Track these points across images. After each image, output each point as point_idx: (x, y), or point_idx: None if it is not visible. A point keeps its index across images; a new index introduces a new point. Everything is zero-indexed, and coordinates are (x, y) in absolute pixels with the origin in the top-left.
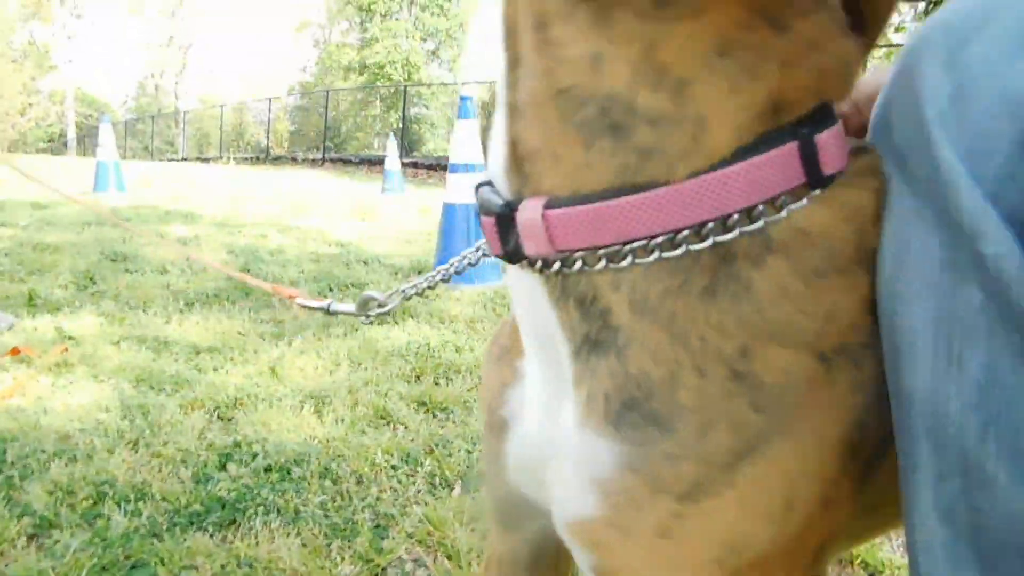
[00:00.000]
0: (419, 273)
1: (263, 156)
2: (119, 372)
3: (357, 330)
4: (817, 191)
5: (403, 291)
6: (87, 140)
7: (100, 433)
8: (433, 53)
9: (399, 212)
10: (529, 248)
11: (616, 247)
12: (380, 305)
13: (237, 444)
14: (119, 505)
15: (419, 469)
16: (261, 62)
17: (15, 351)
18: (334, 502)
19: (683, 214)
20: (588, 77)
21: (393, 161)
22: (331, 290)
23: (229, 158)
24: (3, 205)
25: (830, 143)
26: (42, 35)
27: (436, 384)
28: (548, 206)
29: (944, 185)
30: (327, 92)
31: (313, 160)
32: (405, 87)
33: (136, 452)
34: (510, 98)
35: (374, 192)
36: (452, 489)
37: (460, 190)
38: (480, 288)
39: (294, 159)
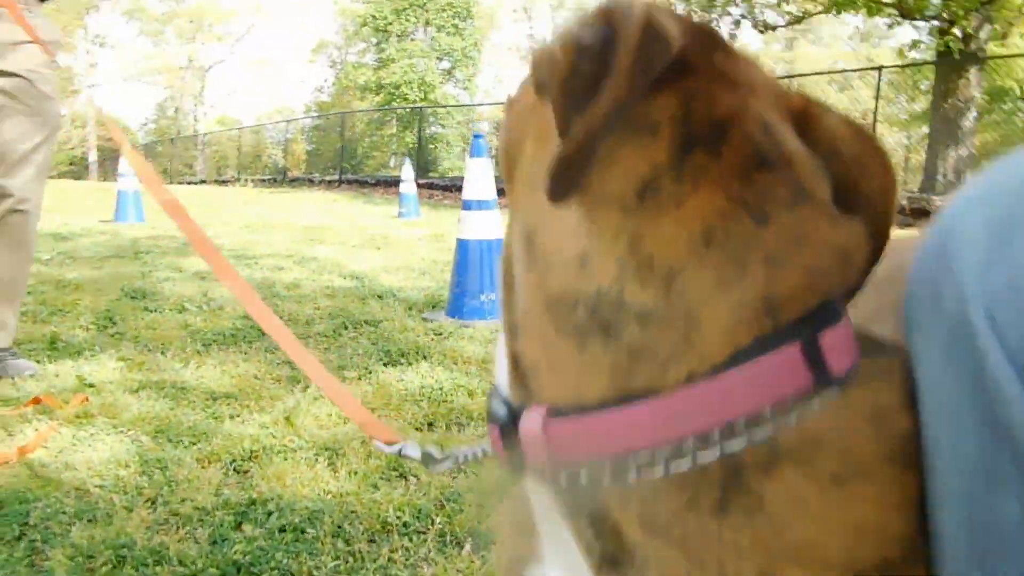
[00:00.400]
0: (432, 308)
1: (280, 178)
2: (138, 423)
3: (371, 373)
4: (828, 392)
5: (455, 456)
6: (108, 163)
7: (119, 490)
8: (448, 72)
9: (414, 240)
10: (532, 459)
11: (619, 460)
12: (437, 459)
13: (252, 501)
14: (137, 570)
15: (430, 527)
16: (279, 83)
17: (37, 400)
18: (347, 563)
19: (684, 424)
20: (577, 279)
21: (409, 185)
22: (345, 328)
23: (247, 180)
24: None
25: (836, 342)
26: (65, 61)
27: (448, 431)
28: (549, 416)
29: (991, 388)
30: (343, 114)
31: (330, 182)
32: (421, 108)
33: (154, 510)
34: (508, 319)
35: (390, 216)
36: (462, 548)
37: (473, 227)
38: (494, 324)
39: (311, 181)
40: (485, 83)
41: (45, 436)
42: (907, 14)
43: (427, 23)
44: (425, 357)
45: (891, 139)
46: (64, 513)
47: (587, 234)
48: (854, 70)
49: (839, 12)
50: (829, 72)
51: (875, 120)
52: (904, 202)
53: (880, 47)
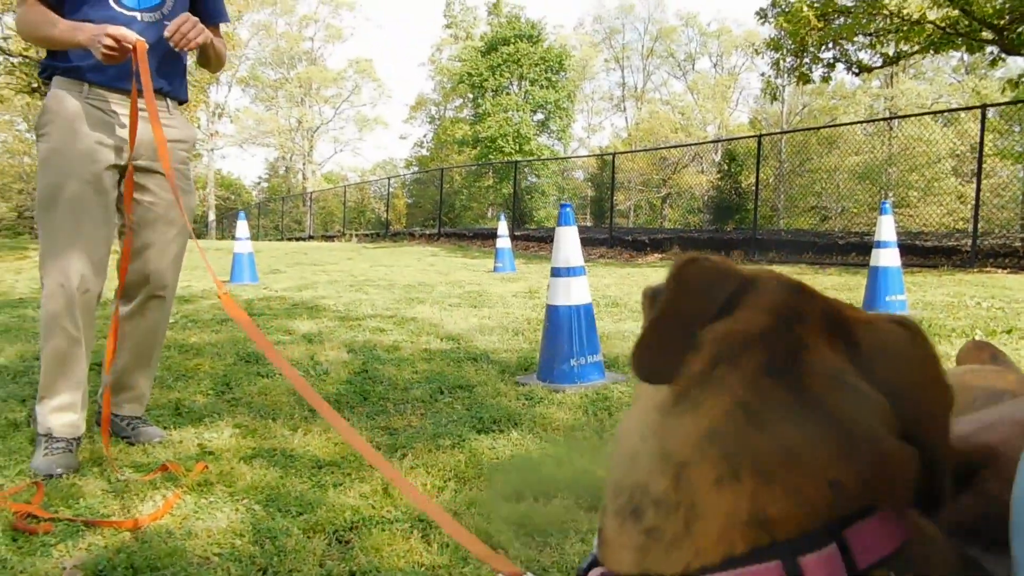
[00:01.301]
0: (525, 371)
1: (383, 232)
2: (251, 491)
3: (464, 441)
4: None
5: None
6: (225, 221)
7: (235, 559)
8: (543, 124)
9: (508, 296)
10: None
11: None
12: None
13: (352, 574)
14: None
15: None
16: (383, 141)
17: (164, 468)
18: None
19: None
20: (626, 473)
21: (504, 240)
22: (441, 393)
23: (351, 235)
24: None
25: (817, 569)
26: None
27: (536, 502)
28: None
29: None
30: (441, 169)
31: (430, 235)
32: (516, 162)
33: None
34: None
35: (486, 271)
36: None
37: (562, 292)
38: (583, 388)
39: (411, 234)
40: (578, 132)
41: (171, 504)
42: (1009, 49)
43: (521, 77)
44: (516, 424)
45: (1004, 173)
46: None
47: (638, 434)
48: (956, 109)
49: (936, 52)
50: (930, 112)
51: (980, 160)
52: (1018, 244)
53: (988, 78)
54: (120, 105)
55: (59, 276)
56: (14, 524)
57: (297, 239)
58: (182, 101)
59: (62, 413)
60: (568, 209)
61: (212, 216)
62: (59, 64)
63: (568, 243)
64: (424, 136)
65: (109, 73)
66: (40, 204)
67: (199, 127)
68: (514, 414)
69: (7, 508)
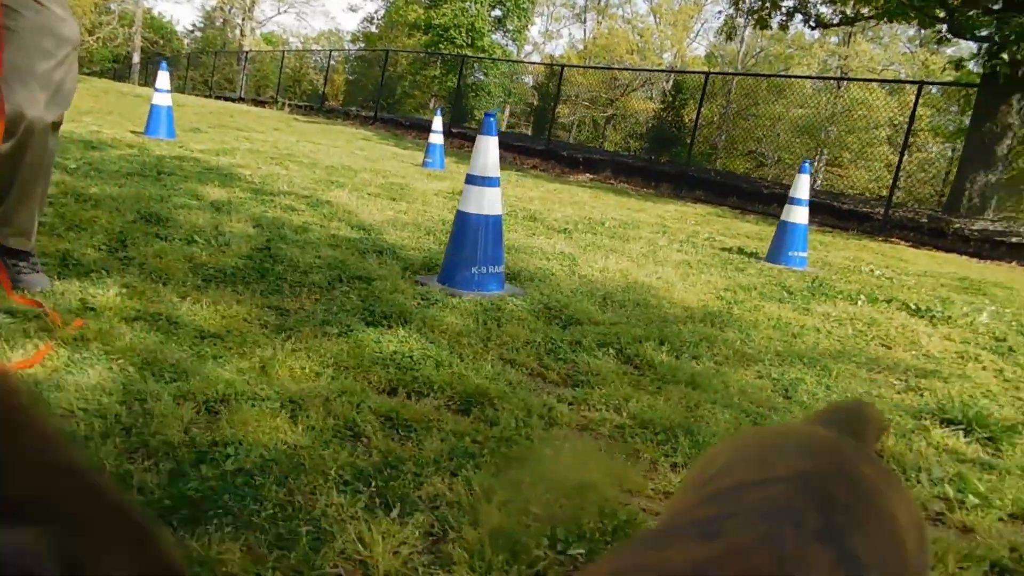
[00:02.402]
0: (428, 271)
1: (317, 106)
2: (128, 352)
3: (352, 331)
4: None
5: None
6: (151, 67)
7: (99, 416)
8: (500, 21)
9: (430, 193)
10: None
11: None
12: None
13: (215, 443)
14: None
15: (366, 488)
16: (331, 9)
17: (39, 306)
18: (284, 512)
19: None
20: None
21: (437, 136)
22: (340, 281)
23: (284, 104)
24: (68, 145)
25: None
26: None
27: (407, 399)
28: None
29: None
30: (387, 50)
31: (365, 117)
32: (464, 57)
33: (128, 439)
34: None
35: (414, 164)
36: (391, 511)
37: (475, 201)
38: (479, 296)
39: (347, 113)
40: (535, 36)
41: (43, 354)
42: (957, 32)
43: None
44: (406, 322)
45: (934, 150)
46: None
47: None
48: (895, 81)
49: (890, 20)
50: (873, 79)
51: (908, 132)
52: (924, 220)
53: (939, 54)
54: None
55: None
56: None
57: (226, 99)
58: None
59: None
60: (491, 119)
61: (136, 59)
62: None
63: (487, 152)
64: (376, 12)
65: None
66: None
67: None
68: (406, 312)
69: None
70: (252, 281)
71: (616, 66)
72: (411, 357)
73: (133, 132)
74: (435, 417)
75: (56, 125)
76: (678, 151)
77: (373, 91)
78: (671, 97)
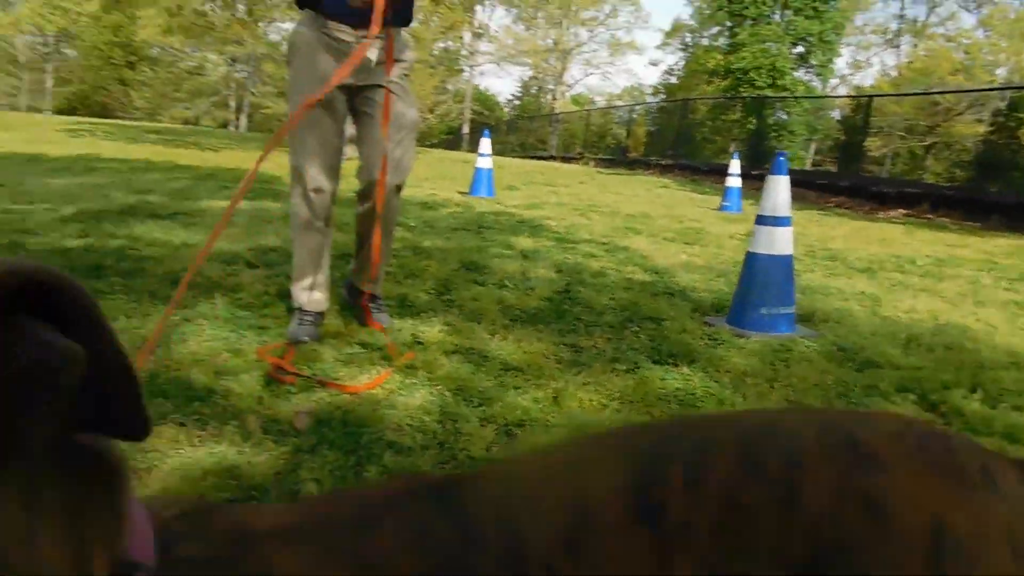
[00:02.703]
0: (717, 312)
1: (620, 159)
2: (446, 380)
3: (639, 368)
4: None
5: None
6: (477, 135)
7: (421, 431)
8: (802, 57)
9: (725, 237)
10: None
11: None
12: None
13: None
14: None
15: None
16: (635, 66)
17: (392, 348)
18: None
19: None
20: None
21: (734, 179)
22: (631, 322)
23: (589, 159)
24: (409, 207)
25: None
26: (452, 45)
27: None
28: None
29: None
30: (685, 100)
31: (664, 166)
32: (764, 98)
33: (441, 452)
34: None
35: (711, 208)
36: None
37: (765, 241)
38: (768, 338)
39: (647, 164)
40: (841, 68)
41: (383, 379)
42: None
43: (785, 6)
44: (692, 361)
45: None
46: (382, 440)
47: None
48: None
49: None
50: None
51: None
52: None
53: None
54: (348, 34)
55: (299, 183)
56: (269, 373)
57: (539, 158)
58: (405, 24)
59: (309, 292)
60: (782, 158)
61: (466, 129)
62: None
63: (778, 192)
64: (675, 64)
65: (340, 8)
66: (290, 130)
67: (462, 45)
68: (693, 351)
69: (266, 361)
70: (552, 321)
71: (936, 90)
72: (694, 395)
73: (460, 193)
74: None
75: (398, 188)
76: (1015, 177)
77: (673, 140)
78: (1004, 116)
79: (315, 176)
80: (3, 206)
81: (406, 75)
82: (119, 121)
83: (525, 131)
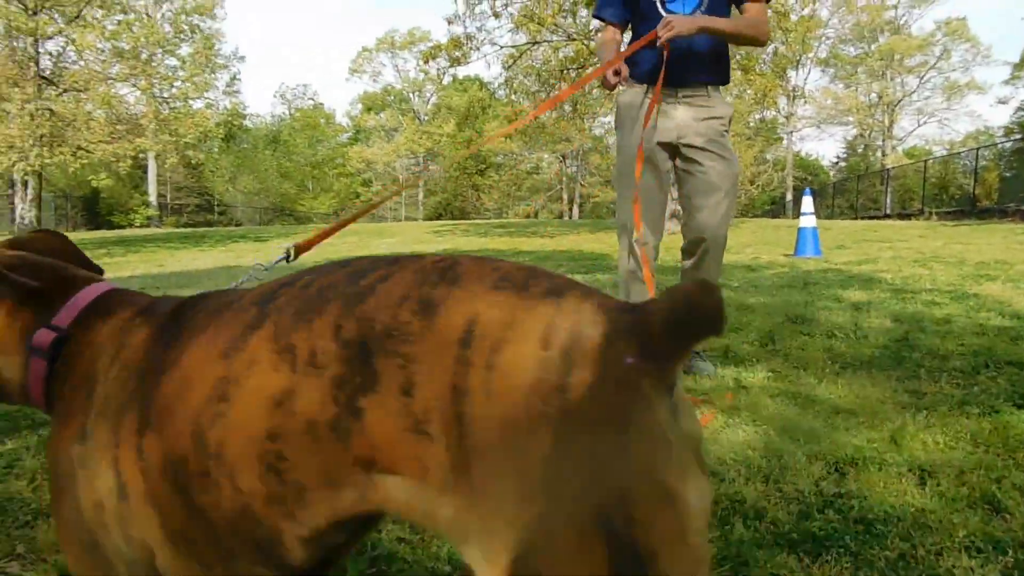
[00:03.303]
0: None
1: (969, 209)
2: (770, 420)
3: (996, 413)
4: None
5: None
6: (799, 202)
7: (744, 465)
8: None
9: None
10: None
11: None
12: None
13: (840, 494)
14: (745, 522)
15: (1003, 557)
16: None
17: (705, 397)
18: (904, 560)
19: None
20: None
21: None
22: (986, 367)
23: (931, 213)
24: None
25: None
26: (768, 114)
27: None
28: None
29: None
30: None
31: None
32: None
33: (766, 485)
34: None
35: None
36: None
37: None
38: None
39: (1003, 211)
40: None
41: (707, 420)
42: None
43: None
44: None
45: None
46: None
47: None
48: None
49: None
50: None
51: None
52: None
53: None
54: (669, 98)
55: (625, 235)
56: None
57: (871, 218)
58: (722, 83)
59: None
60: None
61: (789, 196)
62: (631, 69)
63: None
64: None
65: (656, 75)
66: (614, 183)
67: (778, 111)
68: None
69: None
70: (887, 367)
71: None
72: None
73: (784, 255)
74: None
75: (717, 243)
76: None
77: None
78: None
79: (643, 233)
80: None
81: (725, 131)
82: (474, 221)
83: (853, 192)
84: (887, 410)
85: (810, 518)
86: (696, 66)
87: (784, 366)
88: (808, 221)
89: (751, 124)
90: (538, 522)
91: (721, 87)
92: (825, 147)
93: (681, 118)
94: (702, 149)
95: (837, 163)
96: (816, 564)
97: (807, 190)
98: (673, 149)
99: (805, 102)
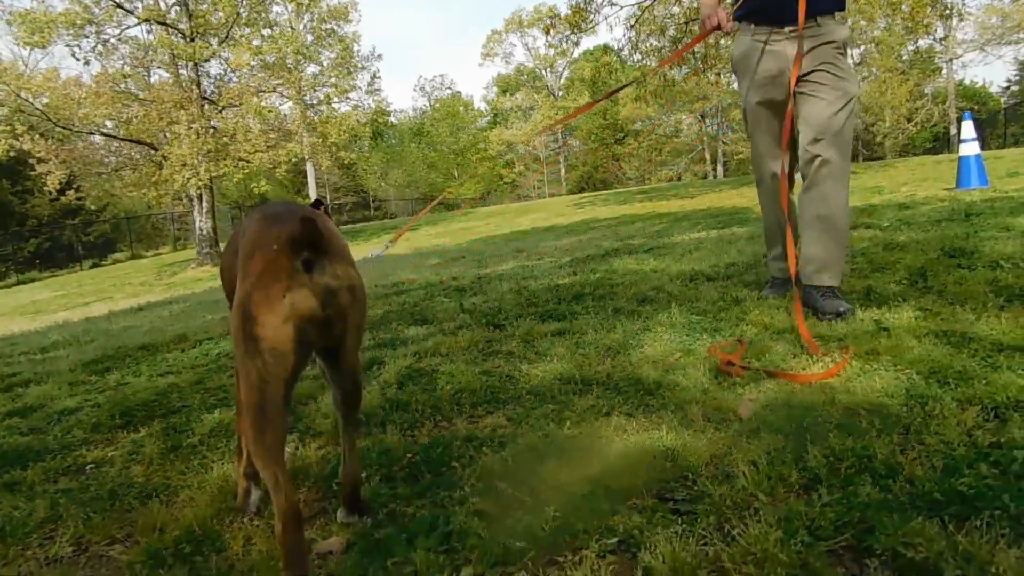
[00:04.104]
0: None
1: None
2: (916, 363)
3: None
4: None
5: None
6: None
7: (880, 415)
8: None
9: None
10: None
11: None
12: None
13: (998, 444)
14: (872, 476)
15: None
16: None
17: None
18: None
19: None
20: None
21: None
22: None
23: None
24: (874, 208)
25: None
26: (924, 43)
27: None
28: None
29: None
30: None
31: None
32: None
33: (906, 436)
34: None
35: None
36: None
37: None
38: None
39: None
40: None
41: (840, 367)
42: None
43: None
44: None
45: None
46: (830, 423)
47: None
48: None
49: None
50: None
51: None
52: None
53: None
54: (776, 34)
55: (755, 172)
56: (719, 366)
57: None
58: (837, 10)
59: (775, 261)
60: None
61: (953, 130)
62: (737, 12)
63: None
64: None
65: (764, 14)
66: (744, 123)
67: (933, 37)
68: None
69: (717, 356)
70: None
71: None
72: None
73: (945, 190)
74: None
75: (833, 163)
76: None
77: None
78: None
79: (762, 164)
80: (519, 263)
81: (840, 53)
82: (615, 190)
83: None
84: None
85: (957, 474)
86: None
87: (937, 303)
88: (970, 148)
89: (904, 57)
90: None
91: (836, 13)
92: (994, 72)
93: (791, 53)
94: (815, 71)
95: (1008, 87)
96: (963, 531)
97: (967, 114)
98: (787, 82)
99: (961, 20)
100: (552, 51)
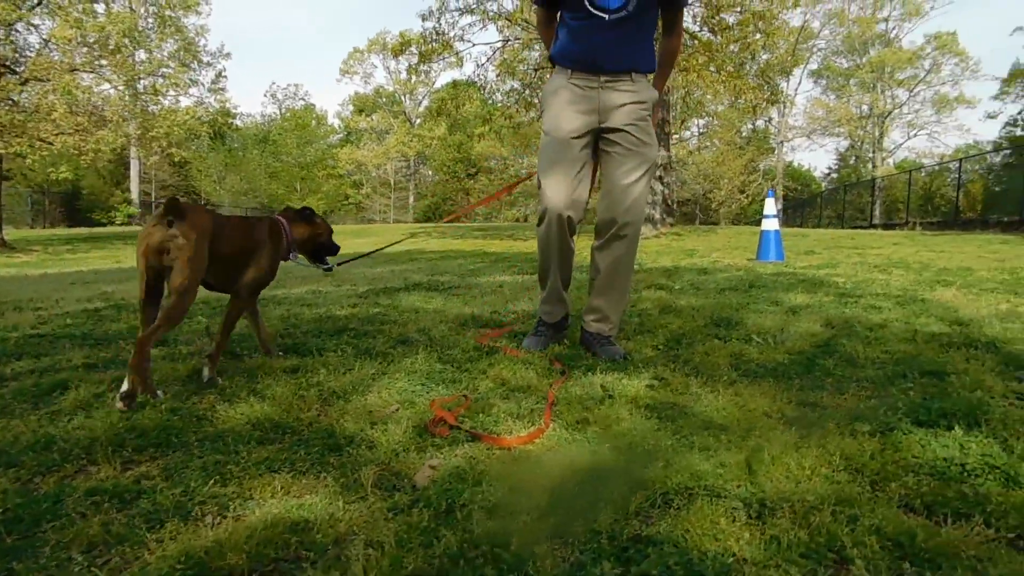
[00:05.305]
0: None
1: (952, 220)
2: (617, 438)
3: (891, 432)
4: None
5: None
6: (790, 211)
7: (552, 493)
8: None
9: None
10: None
11: None
12: None
13: (640, 539)
14: (498, 571)
15: None
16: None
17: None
18: None
19: None
20: None
21: None
22: (903, 377)
23: (915, 223)
24: (676, 270)
25: None
26: (759, 124)
27: (938, 522)
28: None
29: None
30: None
31: (1007, 223)
32: None
33: (560, 522)
34: None
35: None
36: None
37: None
38: None
39: (984, 222)
40: None
41: (538, 433)
42: None
43: None
44: (973, 424)
45: None
46: (486, 503)
47: None
48: None
49: None
50: None
51: None
52: None
53: None
54: (590, 82)
55: (541, 207)
56: (426, 424)
57: (857, 227)
58: (647, 71)
59: (543, 305)
60: None
61: (779, 206)
62: (553, 50)
63: None
64: (1019, 113)
65: (581, 61)
66: (539, 161)
67: (771, 121)
68: (979, 410)
69: (434, 411)
70: (793, 376)
71: None
72: (963, 466)
73: (748, 260)
74: (979, 552)
75: (628, 227)
76: None
77: (1021, 196)
78: None
79: (561, 207)
80: (315, 287)
81: (648, 115)
82: (460, 225)
83: (842, 202)
84: (765, 426)
85: (584, 570)
86: (629, 55)
87: (675, 373)
88: (770, 224)
89: (743, 133)
90: None
91: (648, 74)
92: (818, 158)
93: (603, 102)
94: (622, 130)
95: (829, 174)
96: None
97: (770, 191)
98: (595, 132)
99: (786, 107)
100: (413, 78)
